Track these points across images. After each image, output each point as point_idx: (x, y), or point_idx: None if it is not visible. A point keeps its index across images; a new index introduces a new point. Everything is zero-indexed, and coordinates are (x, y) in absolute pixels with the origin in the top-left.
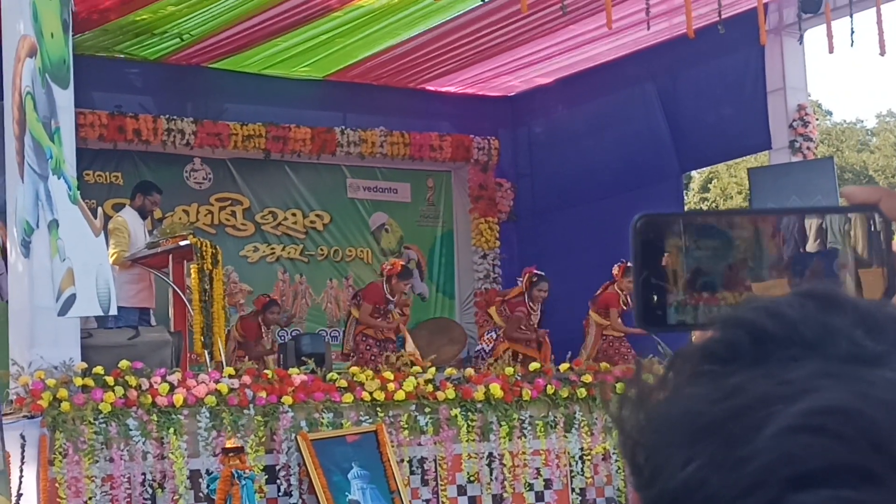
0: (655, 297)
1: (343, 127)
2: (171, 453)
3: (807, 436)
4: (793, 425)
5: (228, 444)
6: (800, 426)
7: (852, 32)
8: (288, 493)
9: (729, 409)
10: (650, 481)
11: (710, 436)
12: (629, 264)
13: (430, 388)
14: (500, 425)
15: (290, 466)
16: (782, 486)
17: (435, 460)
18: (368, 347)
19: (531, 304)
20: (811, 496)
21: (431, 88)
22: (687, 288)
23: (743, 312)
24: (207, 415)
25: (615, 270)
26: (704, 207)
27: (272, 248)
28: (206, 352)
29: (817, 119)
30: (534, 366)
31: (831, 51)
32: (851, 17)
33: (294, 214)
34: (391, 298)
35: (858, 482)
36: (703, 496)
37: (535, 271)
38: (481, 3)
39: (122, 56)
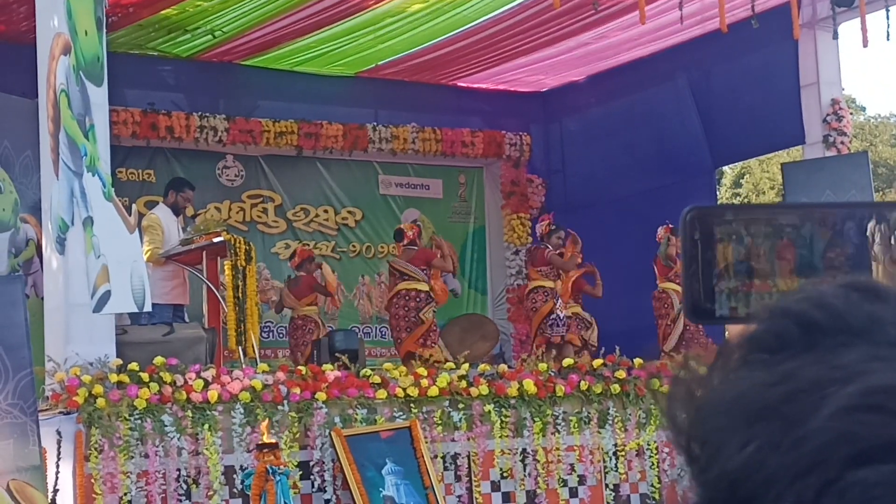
0: (704, 290)
1: (375, 123)
2: (206, 449)
3: (864, 414)
4: (849, 405)
5: (263, 441)
6: (856, 405)
7: (888, 26)
8: (322, 489)
9: (783, 393)
10: (707, 466)
11: (766, 418)
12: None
13: (463, 384)
14: (534, 421)
15: (324, 462)
16: (842, 463)
17: (468, 456)
18: (406, 308)
19: (551, 247)
20: (872, 472)
21: (463, 84)
22: (736, 282)
23: (789, 304)
24: (242, 411)
25: (660, 233)
26: (737, 203)
27: (304, 245)
28: (239, 348)
29: (851, 113)
30: (567, 362)
31: (865, 45)
32: (887, 10)
33: (326, 211)
34: None
35: None
36: (762, 476)
37: (551, 223)
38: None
39: (154, 53)
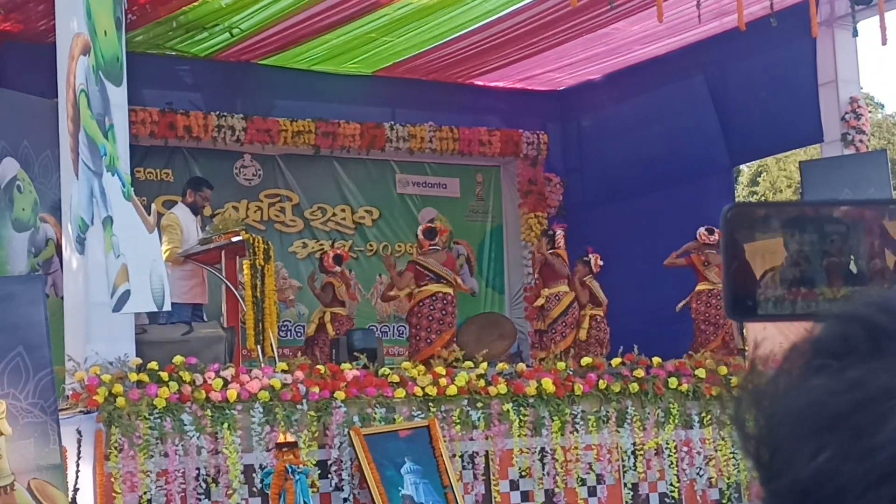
0: (746, 287)
1: (392, 122)
2: (225, 448)
3: None
4: None
5: (282, 439)
6: None
7: None
8: (340, 488)
9: (853, 401)
10: (778, 473)
11: (836, 427)
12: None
13: (482, 383)
14: (553, 420)
15: (342, 461)
16: None
17: (487, 455)
18: (432, 307)
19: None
20: None
21: (480, 83)
22: (780, 280)
23: (855, 308)
24: (261, 410)
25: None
26: (754, 201)
27: (321, 244)
28: (258, 347)
29: (870, 111)
30: (586, 361)
31: (885, 42)
32: None
33: (343, 210)
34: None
35: None
36: (834, 486)
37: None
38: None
39: (172, 53)
